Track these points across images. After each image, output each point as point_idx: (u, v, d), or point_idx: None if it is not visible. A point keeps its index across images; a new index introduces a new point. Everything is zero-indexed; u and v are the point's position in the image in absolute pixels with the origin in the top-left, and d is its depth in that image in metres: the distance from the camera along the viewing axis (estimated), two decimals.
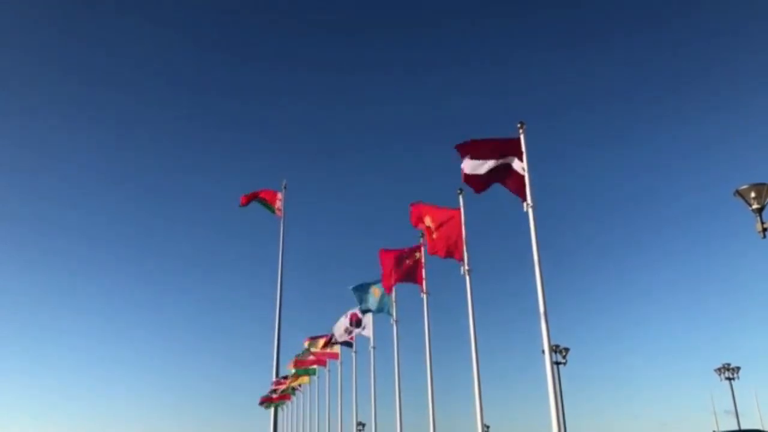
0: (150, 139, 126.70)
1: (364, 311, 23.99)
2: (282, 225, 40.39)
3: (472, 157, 14.04)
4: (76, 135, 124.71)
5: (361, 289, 22.74)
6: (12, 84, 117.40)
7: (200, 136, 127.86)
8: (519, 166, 13.72)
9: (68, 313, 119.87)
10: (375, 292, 22.43)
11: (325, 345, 30.77)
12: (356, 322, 25.45)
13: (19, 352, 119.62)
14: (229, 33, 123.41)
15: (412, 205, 18.27)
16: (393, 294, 21.96)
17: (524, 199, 13.36)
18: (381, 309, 22.43)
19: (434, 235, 17.39)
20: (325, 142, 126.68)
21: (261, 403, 40.71)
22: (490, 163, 13.97)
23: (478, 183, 14.34)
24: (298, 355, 36.67)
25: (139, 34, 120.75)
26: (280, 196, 41.23)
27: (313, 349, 33.57)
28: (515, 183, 13.73)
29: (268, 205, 40.81)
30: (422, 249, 20.12)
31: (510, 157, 13.88)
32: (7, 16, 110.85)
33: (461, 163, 14.26)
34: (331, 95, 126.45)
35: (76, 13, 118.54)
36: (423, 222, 17.81)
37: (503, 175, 13.98)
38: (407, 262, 19.81)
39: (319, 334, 33.11)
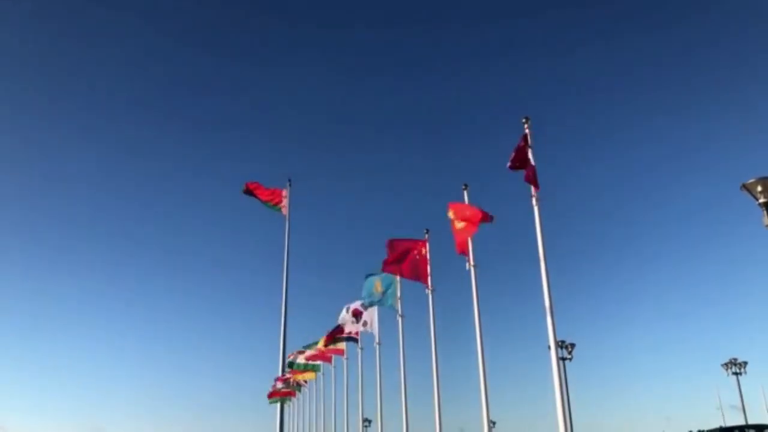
0: (154, 137, 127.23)
1: (368, 305, 23.98)
2: (287, 222, 40.31)
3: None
4: (81, 134, 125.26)
5: (367, 282, 22.71)
6: (9, 82, 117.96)
7: (204, 134, 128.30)
8: (531, 156, 14.00)
9: (71, 312, 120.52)
10: (377, 286, 22.38)
11: (329, 340, 30.56)
12: (357, 317, 25.43)
13: (26, 352, 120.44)
14: (231, 30, 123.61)
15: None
16: (398, 288, 21.93)
17: (537, 187, 13.55)
18: (383, 302, 22.37)
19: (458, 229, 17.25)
20: (329, 138, 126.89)
21: (270, 398, 40.71)
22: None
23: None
24: (303, 348, 36.67)
25: (140, 33, 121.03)
26: (285, 193, 41.13)
27: (318, 347, 33.46)
28: (529, 171, 13.88)
29: (272, 206, 40.71)
30: (427, 245, 20.11)
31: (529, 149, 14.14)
32: (6, 14, 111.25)
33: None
34: (336, 91, 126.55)
35: (77, 12, 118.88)
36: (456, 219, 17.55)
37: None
38: (414, 255, 19.72)
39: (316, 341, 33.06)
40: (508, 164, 14.05)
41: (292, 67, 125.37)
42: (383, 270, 20.77)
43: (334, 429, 34.58)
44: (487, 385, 15.18)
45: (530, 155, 13.99)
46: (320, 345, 33.01)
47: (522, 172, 14.02)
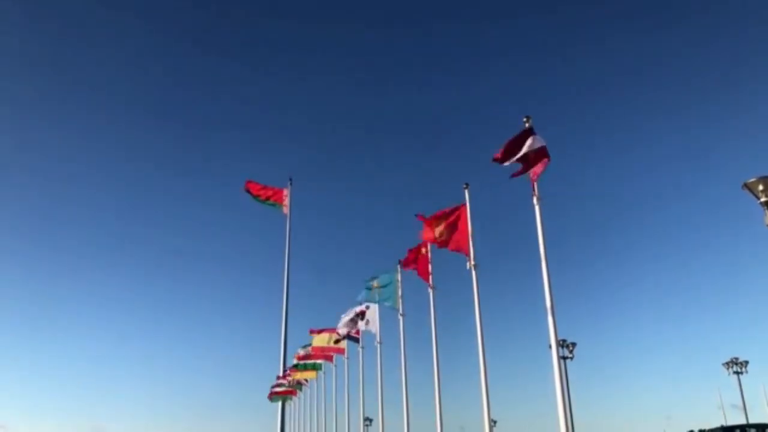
0: (153, 137, 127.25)
1: (367, 304, 24.19)
2: (288, 222, 40.33)
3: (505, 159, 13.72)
4: (81, 134, 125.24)
5: (365, 284, 22.93)
6: (9, 82, 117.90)
7: (204, 134, 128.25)
8: (538, 143, 13.62)
9: (71, 311, 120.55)
10: (374, 285, 22.56)
11: (334, 338, 30.67)
12: (360, 315, 25.53)
13: (26, 352, 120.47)
14: (231, 30, 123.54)
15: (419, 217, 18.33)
16: (399, 287, 21.98)
17: (548, 158, 13.34)
18: (383, 300, 22.50)
19: (443, 236, 17.48)
20: (330, 138, 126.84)
21: (270, 397, 40.79)
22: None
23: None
24: (304, 347, 36.72)
25: (140, 33, 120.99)
26: (286, 192, 41.15)
27: (319, 344, 33.54)
28: (533, 162, 13.58)
29: (274, 204, 40.72)
30: (428, 244, 20.18)
31: (531, 139, 13.72)
32: (6, 14, 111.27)
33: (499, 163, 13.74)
34: (335, 91, 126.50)
35: (77, 12, 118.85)
36: (433, 231, 17.79)
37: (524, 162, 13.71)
38: (422, 252, 20.02)
39: (324, 327, 33.19)
40: (498, 156, 13.46)
41: (292, 67, 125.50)
42: (404, 268, 21.04)
43: (335, 428, 34.62)
44: (488, 384, 15.21)
45: (538, 140, 13.57)
46: (322, 343, 33.04)
47: (515, 170, 13.70)
